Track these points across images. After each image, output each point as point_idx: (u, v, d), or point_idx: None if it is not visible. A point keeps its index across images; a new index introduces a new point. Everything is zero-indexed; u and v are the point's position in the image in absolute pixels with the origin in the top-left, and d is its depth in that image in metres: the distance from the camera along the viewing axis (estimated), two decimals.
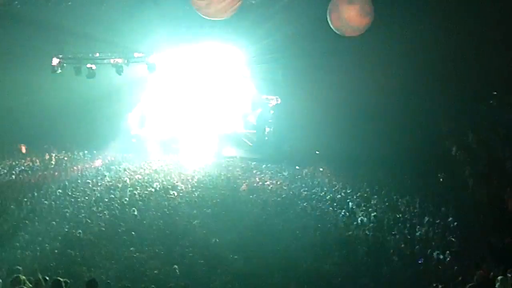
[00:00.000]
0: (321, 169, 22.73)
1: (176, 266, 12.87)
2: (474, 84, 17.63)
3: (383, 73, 18.56)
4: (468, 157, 17.85)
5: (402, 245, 14.32)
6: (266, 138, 27.57)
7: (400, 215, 16.57)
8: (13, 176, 21.68)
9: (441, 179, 18.57)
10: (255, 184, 21.20)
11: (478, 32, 15.99)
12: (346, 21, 8.90)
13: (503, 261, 10.33)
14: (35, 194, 18.86)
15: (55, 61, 22.38)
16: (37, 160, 24.53)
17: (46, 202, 18.05)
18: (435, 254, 13.35)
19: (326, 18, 9.10)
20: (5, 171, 22.42)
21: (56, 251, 13.90)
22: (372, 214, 16.97)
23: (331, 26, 9.11)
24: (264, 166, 24.48)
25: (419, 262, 13.13)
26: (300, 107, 22.88)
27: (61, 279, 7.97)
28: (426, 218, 15.83)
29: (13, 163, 23.48)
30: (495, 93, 17.47)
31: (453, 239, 13.95)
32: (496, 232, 13.29)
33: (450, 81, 17.97)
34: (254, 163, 25.11)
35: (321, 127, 22.27)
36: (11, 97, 23.13)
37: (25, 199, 18.10)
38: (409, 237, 14.88)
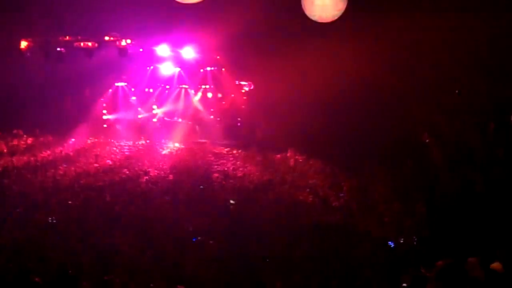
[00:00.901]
0: (295, 156, 22.80)
1: (147, 253, 12.85)
2: (447, 69, 17.84)
3: (356, 58, 18.68)
4: (438, 143, 18.12)
5: (372, 231, 14.55)
6: (239, 124, 27.58)
7: (371, 201, 16.81)
8: None
9: (408, 164, 18.83)
10: (228, 170, 21.16)
11: (454, 14, 16.15)
12: (320, 7, 8.91)
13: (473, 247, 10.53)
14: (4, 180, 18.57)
15: (23, 44, 21.94)
16: (6, 146, 24.06)
17: (15, 187, 17.76)
18: (404, 239, 13.62)
19: (300, 3, 9.10)
20: None
21: (27, 237, 13.69)
22: (343, 200, 17.18)
23: (305, 12, 9.11)
24: (236, 151, 24.45)
25: (390, 245, 13.35)
26: (272, 93, 22.90)
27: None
28: (397, 204, 16.09)
29: None
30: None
31: (423, 225, 14.23)
32: (466, 218, 13.57)
33: (422, 66, 18.17)
34: (227, 148, 25.08)
35: (293, 113, 22.33)
36: None
37: None
38: (379, 222, 15.11)
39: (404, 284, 8.89)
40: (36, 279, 7.55)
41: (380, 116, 19.70)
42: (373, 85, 19.23)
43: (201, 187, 18.75)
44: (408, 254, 12.90)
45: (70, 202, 16.58)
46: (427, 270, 9.67)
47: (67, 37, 22.29)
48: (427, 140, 18.94)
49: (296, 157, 22.66)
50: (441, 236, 13.30)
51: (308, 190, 18.53)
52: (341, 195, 17.64)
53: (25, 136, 25.22)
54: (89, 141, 25.70)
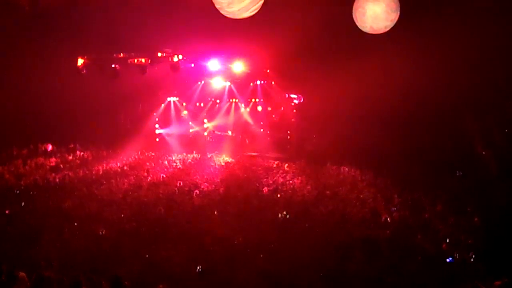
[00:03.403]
0: (346, 168, 22.54)
1: (199, 267, 12.88)
2: (502, 79, 17.32)
3: (408, 70, 18.35)
4: (494, 155, 17.56)
5: (427, 245, 14.15)
6: (288, 137, 27.55)
7: (425, 215, 16.40)
8: (39, 175, 21.89)
9: (460, 175, 18.31)
10: (278, 183, 21.08)
11: (508, 26, 15.71)
12: (371, 18, 8.81)
13: None
14: (60, 192, 19.12)
15: (80, 61, 22.70)
16: (63, 159, 24.85)
17: (71, 200, 18.24)
18: (460, 255, 13.18)
19: (351, 15, 9.03)
20: (32, 170, 22.71)
21: (80, 248, 13.98)
22: (396, 214, 16.80)
23: (357, 24, 9.03)
24: (286, 164, 24.38)
25: (448, 261, 12.95)
26: (323, 105, 22.77)
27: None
28: (451, 218, 15.63)
29: (39, 162, 23.77)
30: None
31: (479, 240, 13.76)
32: None
33: (476, 77, 17.68)
34: (277, 162, 25.05)
35: (344, 126, 22.14)
36: (38, 97, 23.51)
37: (51, 198, 18.35)
38: (433, 237, 14.69)
39: None
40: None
41: (433, 128, 19.26)
42: (426, 97, 18.84)
43: (251, 200, 18.72)
44: (464, 269, 12.45)
45: (122, 215, 16.87)
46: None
47: (121, 54, 22.93)
48: (483, 152, 18.39)
49: (347, 170, 22.40)
50: (498, 251, 12.82)
51: (359, 203, 18.21)
52: (393, 209, 17.25)
53: (80, 150, 26.01)
54: (142, 155, 26.22)
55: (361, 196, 18.90)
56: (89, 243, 14.38)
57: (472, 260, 12.85)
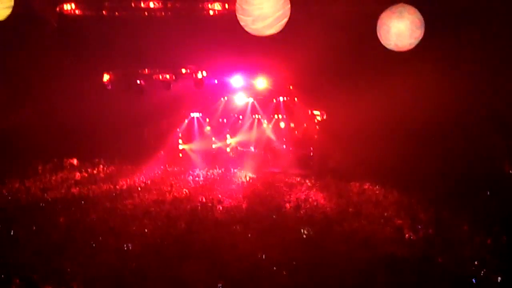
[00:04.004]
0: (370, 186, 22.36)
1: (220, 285, 12.85)
2: None
3: (435, 87, 18.22)
4: None
5: (452, 265, 13.91)
6: (312, 153, 27.47)
7: (450, 234, 16.15)
8: (64, 189, 22.17)
9: (490, 196, 18.03)
10: (300, 200, 21.00)
11: None
12: (396, 36, 8.80)
13: None
14: (84, 207, 19.31)
15: (105, 77, 23.06)
16: (87, 174, 25.15)
17: (94, 215, 18.41)
18: (487, 275, 12.94)
19: (375, 33, 9.03)
20: (57, 184, 23.02)
21: (104, 263, 14.05)
22: (421, 232, 16.58)
23: (381, 41, 9.03)
24: (308, 181, 24.28)
25: (473, 281, 12.70)
26: (346, 122, 22.70)
27: None
28: (477, 238, 15.38)
29: (65, 177, 24.09)
30: None
31: (505, 261, 13.49)
32: None
33: (505, 93, 17.48)
34: (299, 178, 24.97)
35: (367, 143, 22.01)
36: (64, 112, 23.89)
37: (75, 212, 18.56)
38: (459, 257, 14.44)
39: None
40: None
41: (461, 146, 19.04)
42: (454, 115, 18.67)
43: (274, 216, 18.65)
44: None
45: (146, 230, 16.94)
46: None
47: (146, 70, 23.26)
48: (510, 171, 18.11)
49: (371, 187, 22.22)
50: None
51: (383, 221, 18.02)
52: (418, 227, 17.03)
53: (105, 165, 26.30)
54: (165, 170, 26.40)
55: (386, 214, 18.71)
56: (113, 258, 14.45)
57: (498, 280, 12.61)
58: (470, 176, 18.73)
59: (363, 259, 14.56)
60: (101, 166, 26.26)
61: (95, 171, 25.57)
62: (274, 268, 14.09)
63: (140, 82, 23.55)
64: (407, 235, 16.45)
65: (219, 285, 12.87)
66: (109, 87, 23.74)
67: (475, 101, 18.31)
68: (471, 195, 18.64)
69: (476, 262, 13.76)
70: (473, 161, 18.74)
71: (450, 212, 17.88)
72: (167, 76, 23.24)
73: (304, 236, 16.69)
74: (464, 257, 14.31)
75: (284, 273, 13.90)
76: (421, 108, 19.05)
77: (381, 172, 22.13)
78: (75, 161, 26.21)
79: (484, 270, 13.17)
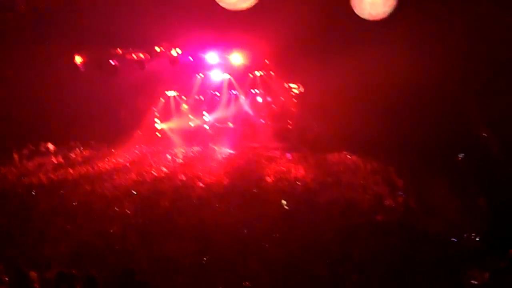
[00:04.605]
0: (348, 156, 22.58)
1: (205, 260, 12.98)
2: (502, 62, 17.31)
3: (407, 56, 18.33)
4: (497, 137, 17.61)
5: (432, 229, 14.22)
6: (289, 126, 27.55)
7: (428, 198, 16.47)
8: (42, 174, 21.94)
9: (462, 157, 18.39)
10: (281, 173, 21.14)
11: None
12: (369, 4, 8.82)
13: None
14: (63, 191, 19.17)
15: (78, 58, 22.67)
16: (64, 157, 24.87)
17: (74, 198, 18.30)
18: (466, 236, 13.28)
19: (349, 4, 9.03)
20: (34, 169, 22.74)
21: (87, 245, 14.05)
22: (400, 198, 16.89)
23: (355, 11, 9.04)
24: (288, 154, 24.40)
25: (453, 240, 13.05)
26: (323, 94, 22.76)
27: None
28: (455, 201, 15.72)
29: (41, 161, 23.79)
30: None
31: (484, 221, 13.85)
32: None
33: (477, 59, 17.67)
34: (278, 151, 25.07)
35: (344, 113, 22.12)
36: (36, 96, 23.47)
37: (54, 196, 18.40)
38: (438, 220, 14.77)
39: (475, 282, 8.69)
40: None
41: (435, 112, 19.26)
42: (427, 82, 18.82)
43: (255, 191, 18.76)
44: (471, 250, 12.54)
45: (128, 211, 16.93)
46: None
47: (120, 50, 22.91)
48: (484, 134, 18.42)
49: (349, 157, 22.45)
50: (503, 231, 12.92)
51: (362, 190, 18.29)
52: (397, 193, 17.34)
53: (81, 147, 26.03)
54: (143, 150, 26.24)
55: (364, 183, 18.98)
56: (96, 240, 14.45)
57: (477, 240, 12.95)
58: (445, 141, 19.00)
59: (344, 228, 14.82)
60: (78, 149, 25.96)
61: (72, 155, 25.27)
62: (257, 241, 14.27)
63: (113, 62, 23.19)
64: (386, 202, 16.74)
65: (203, 261, 12.99)
66: (82, 68, 23.33)
67: (448, 68, 18.47)
68: (447, 159, 18.96)
69: (455, 225, 14.09)
70: (447, 126, 18.99)
71: (427, 177, 18.18)
72: (141, 55, 22.92)
73: (286, 207, 16.88)
74: (443, 220, 14.64)
75: (267, 245, 14.09)
76: (395, 77, 19.12)
77: (358, 142, 22.30)
78: (50, 145, 25.83)
79: (464, 231, 13.51)
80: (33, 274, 8.95)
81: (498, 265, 9.19)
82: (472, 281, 9.20)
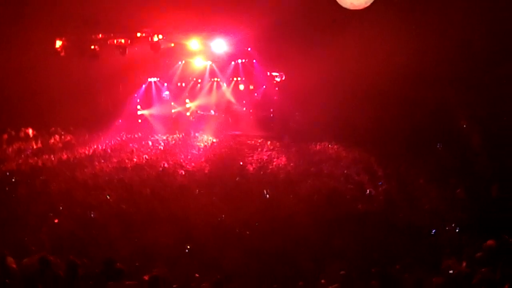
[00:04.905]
0: (329, 145, 22.69)
1: (188, 246, 12.95)
2: (483, 52, 17.49)
3: (389, 45, 18.43)
4: (477, 129, 17.84)
5: (411, 218, 14.38)
6: (272, 115, 27.58)
7: (408, 188, 16.65)
8: (22, 160, 21.66)
9: (440, 147, 18.60)
10: (262, 162, 21.17)
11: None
12: None
13: None
14: (43, 177, 18.94)
15: (58, 43, 22.34)
16: (44, 143, 24.58)
17: (55, 185, 18.10)
18: (444, 226, 13.46)
19: None
20: (14, 155, 22.45)
21: (68, 232, 13.92)
22: (380, 188, 17.04)
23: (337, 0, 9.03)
24: (270, 143, 24.44)
25: (432, 233, 13.20)
26: (305, 83, 22.80)
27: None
28: (434, 191, 15.90)
29: (21, 147, 23.49)
30: None
31: (462, 212, 14.04)
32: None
33: (458, 50, 17.83)
34: (260, 140, 25.10)
35: (327, 103, 22.22)
36: (16, 80, 23.11)
37: (35, 182, 18.18)
38: (418, 210, 14.94)
39: (451, 271, 8.81)
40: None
41: (415, 102, 19.44)
42: (408, 71, 18.96)
43: (237, 179, 18.77)
44: (449, 240, 12.71)
45: (109, 197, 16.80)
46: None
47: (100, 35, 22.62)
48: (464, 125, 18.64)
49: (331, 146, 22.55)
50: (482, 221, 13.11)
51: (344, 179, 18.41)
52: (378, 183, 17.49)
53: (62, 133, 25.74)
54: (124, 137, 26.06)
55: (346, 172, 19.10)
56: (76, 227, 14.32)
57: (456, 231, 13.14)
58: (425, 131, 19.22)
59: (326, 217, 14.90)
60: (58, 135, 25.68)
61: (52, 141, 24.99)
62: (238, 229, 14.29)
63: (94, 47, 22.89)
64: (367, 191, 16.87)
65: (186, 249, 12.98)
66: (62, 53, 22.98)
67: (429, 59, 18.64)
68: (427, 149, 19.17)
69: (434, 214, 14.27)
70: (427, 117, 19.19)
71: (407, 167, 18.37)
72: (122, 41, 22.66)
73: (267, 196, 16.92)
74: (423, 209, 14.82)
75: (248, 233, 14.12)
76: (377, 66, 19.27)
77: (339, 131, 22.45)
78: (30, 131, 25.52)
79: (443, 221, 13.69)
80: (12, 260, 8.87)
81: (474, 255, 9.33)
82: (449, 271, 9.33)
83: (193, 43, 24.64)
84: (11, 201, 16.20)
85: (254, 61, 27.35)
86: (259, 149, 23.49)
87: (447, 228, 13.30)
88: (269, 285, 10.86)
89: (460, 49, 17.88)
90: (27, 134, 25.21)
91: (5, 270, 8.16)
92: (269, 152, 22.81)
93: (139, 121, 28.96)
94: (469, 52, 17.67)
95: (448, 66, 18.75)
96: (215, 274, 10.31)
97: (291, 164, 20.64)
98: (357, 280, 10.00)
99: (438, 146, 19.62)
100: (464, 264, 9.60)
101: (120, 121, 27.27)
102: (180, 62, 28.45)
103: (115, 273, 8.19)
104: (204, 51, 25.92)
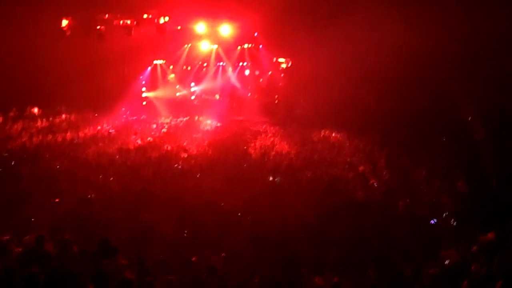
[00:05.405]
0: (332, 134, 22.65)
1: (186, 231, 13.00)
2: (490, 44, 17.34)
3: (397, 32, 18.28)
4: (481, 120, 17.76)
5: (412, 209, 14.39)
6: (276, 101, 27.52)
7: (410, 179, 16.65)
8: (26, 139, 21.73)
9: (445, 140, 18.56)
10: (265, 147, 21.16)
11: None
12: None
13: None
14: (47, 155, 19.02)
15: (64, 23, 22.29)
16: (49, 122, 24.64)
17: (58, 164, 18.17)
18: (444, 217, 13.46)
19: None
20: (18, 133, 22.50)
21: (69, 212, 13.98)
22: (382, 177, 17.03)
23: None
24: (274, 129, 24.40)
25: (432, 223, 13.21)
26: (311, 69, 22.72)
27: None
28: (436, 182, 15.89)
29: (26, 126, 23.54)
30: None
31: (463, 203, 14.04)
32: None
33: (464, 40, 17.68)
34: (264, 126, 25.08)
35: (332, 90, 22.15)
36: (22, 60, 23.15)
37: (39, 161, 18.25)
38: (419, 200, 14.94)
39: (447, 261, 8.82)
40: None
41: (421, 93, 19.34)
42: (414, 60, 18.85)
43: (244, 165, 18.73)
44: (449, 231, 12.72)
45: (111, 178, 16.86)
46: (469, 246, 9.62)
47: (107, 15, 22.55)
48: (469, 118, 18.57)
49: (335, 135, 22.52)
50: (482, 214, 13.11)
51: (347, 167, 18.40)
52: (380, 173, 17.48)
53: (67, 113, 25.80)
54: (129, 118, 26.10)
55: (349, 160, 19.09)
56: (77, 207, 14.38)
57: (455, 223, 13.15)
58: (429, 123, 19.16)
59: (326, 204, 14.92)
60: (63, 115, 25.73)
61: (57, 120, 25.05)
62: (239, 214, 14.31)
63: (100, 27, 22.81)
64: (369, 180, 16.88)
65: (182, 232, 13.02)
66: (68, 32, 22.94)
67: (436, 47, 18.51)
68: (430, 141, 19.12)
69: (434, 205, 14.26)
70: (432, 108, 19.11)
71: (410, 157, 18.34)
72: (128, 22, 22.56)
73: (274, 180, 16.91)
74: (423, 200, 14.82)
75: (248, 218, 14.14)
76: (383, 56, 19.17)
77: (344, 120, 22.40)
78: (36, 110, 25.57)
79: (441, 213, 13.69)
80: (13, 238, 8.95)
81: (472, 247, 9.34)
82: (446, 261, 9.35)
83: (200, 26, 24.52)
84: (14, 179, 16.29)
85: (261, 46, 27.22)
86: (263, 135, 23.47)
87: (446, 220, 13.29)
88: (268, 270, 10.90)
89: (468, 38, 17.72)
90: (33, 113, 25.28)
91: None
92: (272, 138, 22.78)
93: (144, 103, 28.95)
94: (476, 41, 17.51)
95: (458, 58, 18.62)
96: (212, 258, 10.37)
97: (294, 152, 20.63)
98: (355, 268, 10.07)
99: (443, 139, 19.54)
100: (461, 255, 9.61)
101: (125, 102, 27.26)
102: (186, 45, 28.34)
103: (109, 251, 8.27)
104: (211, 34, 25.80)
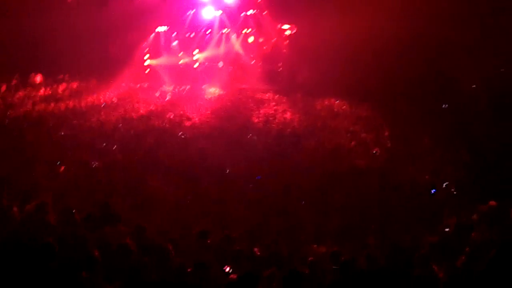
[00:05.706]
0: (336, 101, 22.55)
1: (187, 196, 13.10)
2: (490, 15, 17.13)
3: (400, 6, 18.07)
4: (484, 89, 17.66)
5: (413, 177, 14.43)
6: (280, 69, 27.32)
7: (412, 147, 16.66)
8: (29, 107, 21.76)
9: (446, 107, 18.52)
10: (269, 115, 21.14)
11: None
12: None
13: None
14: (50, 123, 19.07)
15: None
16: (52, 90, 24.62)
17: (61, 131, 18.24)
18: (444, 187, 13.51)
19: None
20: (21, 101, 22.52)
21: (73, 179, 14.10)
22: (384, 146, 17.04)
23: None
24: (277, 97, 24.29)
25: (432, 192, 13.26)
26: (315, 37, 22.51)
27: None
28: (438, 151, 15.90)
29: (29, 94, 23.54)
30: None
31: (465, 172, 14.07)
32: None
33: (466, 10, 17.47)
34: (267, 94, 24.97)
35: (336, 58, 21.99)
36: (24, 27, 23.01)
37: (41, 129, 18.31)
38: (420, 168, 14.96)
39: (447, 229, 8.88)
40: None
41: (425, 62, 19.19)
42: (416, 32, 18.67)
43: (250, 135, 18.73)
44: (449, 200, 12.77)
45: (115, 146, 16.93)
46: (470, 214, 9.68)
47: None
48: (473, 86, 18.45)
49: (338, 103, 22.44)
50: (483, 183, 13.15)
51: (349, 135, 18.40)
52: (382, 141, 17.47)
53: (69, 81, 25.74)
54: (131, 86, 26.03)
55: (351, 128, 19.08)
56: (81, 173, 14.49)
57: (455, 192, 13.19)
58: (433, 91, 19.05)
59: (328, 172, 14.97)
60: (66, 83, 25.67)
61: (59, 88, 25.01)
62: (241, 182, 14.40)
63: None
64: (372, 148, 16.89)
65: (185, 199, 13.12)
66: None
67: (441, 18, 18.33)
68: (434, 109, 19.05)
69: (436, 174, 14.29)
70: (435, 77, 18.98)
71: (413, 126, 18.30)
72: None
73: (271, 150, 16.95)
74: (425, 169, 14.84)
75: (251, 186, 14.23)
76: (387, 25, 18.99)
77: (348, 88, 22.26)
78: (38, 78, 25.51)
79: (443, 181, 13.71)
80: (14, 205, 9.04)
81: (470, 216, 9.40)
82: (446, 229, 9.43)
83: None
84: (18, 146, 16.37)
85: (265, 12, 26.90)
86: (266, 103, 23.39)
87: (448, 188, 13.32)
88: (269, 238, 11.00)
89: (472, 9, 17.52)
90: (35, 80, 25.23)
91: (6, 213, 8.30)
92: (275, 107, 22.72)
93: (147, 70, 28.82)
94: (480, 12, 17.31)
95: (464, 27, 18.42)
96: (214, 227, 10.47)
97: (297, 119, 20.60)
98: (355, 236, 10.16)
99: (443, 106, 19.48)
100: (461, 223, 9.66)
101: (128, 69, 27.12)
102: (189, 12, 28.04)
103: (111, 217, 8.36)
104: (214, 1, 25.52)
